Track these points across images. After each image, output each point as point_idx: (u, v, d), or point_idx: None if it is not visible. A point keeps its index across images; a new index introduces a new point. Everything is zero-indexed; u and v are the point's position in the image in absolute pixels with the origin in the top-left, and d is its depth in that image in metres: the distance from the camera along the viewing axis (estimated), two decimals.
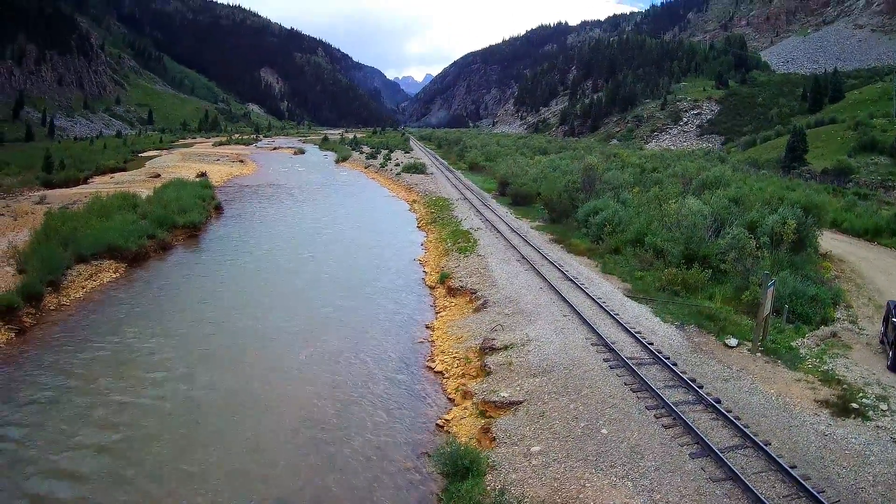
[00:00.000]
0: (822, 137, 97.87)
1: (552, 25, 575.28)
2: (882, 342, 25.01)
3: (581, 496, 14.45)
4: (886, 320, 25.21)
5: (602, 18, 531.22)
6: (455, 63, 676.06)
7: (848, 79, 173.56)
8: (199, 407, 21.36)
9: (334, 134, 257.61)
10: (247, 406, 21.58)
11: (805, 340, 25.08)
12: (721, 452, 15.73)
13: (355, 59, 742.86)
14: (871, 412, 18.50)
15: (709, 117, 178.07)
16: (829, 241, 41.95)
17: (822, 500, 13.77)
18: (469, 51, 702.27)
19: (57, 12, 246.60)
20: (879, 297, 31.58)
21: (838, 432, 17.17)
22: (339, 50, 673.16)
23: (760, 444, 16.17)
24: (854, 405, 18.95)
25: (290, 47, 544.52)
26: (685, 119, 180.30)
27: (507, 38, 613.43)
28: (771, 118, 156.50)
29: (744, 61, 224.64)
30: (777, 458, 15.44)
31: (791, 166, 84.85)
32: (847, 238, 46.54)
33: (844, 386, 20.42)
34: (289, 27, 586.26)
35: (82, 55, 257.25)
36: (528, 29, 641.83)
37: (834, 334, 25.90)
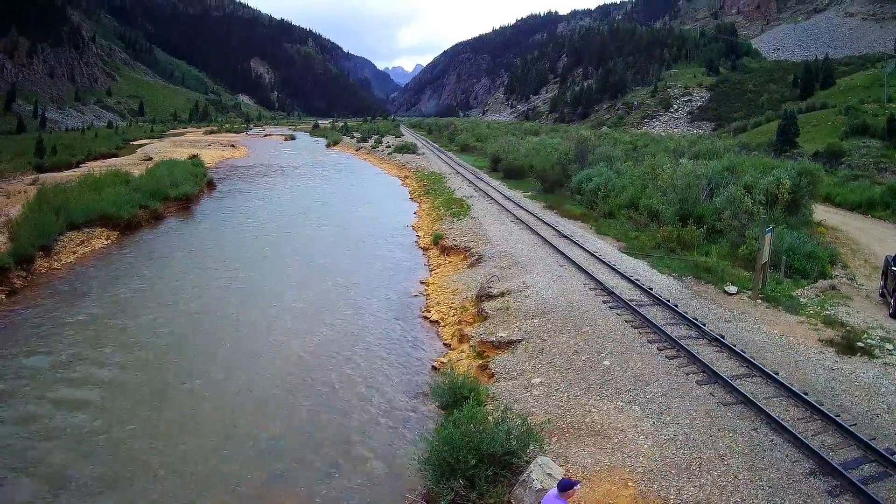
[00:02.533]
0: (814, 122, 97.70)
1: (542, 15, 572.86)
2: (882, 295, 25.00)
3: (587, 420, 14.10)
4: (885, 273, 25.26)
5: (592, 7, 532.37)
6: (445, 53, 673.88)
7: (839, 66, 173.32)
8: (189, 357, 20.85)
9: (325, 123, 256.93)
10: (239, 355, 21.16)
11: (804, 291, 24.88)
12: (729, 380, 15.42)
13: (346, 49, 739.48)
14: (876, 351, 18.21)
15: (699, 104, 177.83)
16: (823, 213, 41.73)
17: (840, 421, 13.43)
18: (459, 41, 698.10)
19: (48, 5, 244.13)
20: (876, 260, 31.30)
21: (846, 367, 16.85)
22: (329, 41, 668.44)
23: (769, 372, 15.85)
24: (859, 344, 18.63)
25: (281, 38, 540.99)
26: (676, 106, 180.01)
27: (496, 28, 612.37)
28: (762, 104, 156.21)
29: (734, 48, 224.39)
30: (788, 385, 15.13)
31: (783, 149, 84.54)
32: (841, 211, 46.35)
33: (848, 328, 20.15)
34: (279, 18, 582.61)
35: (73, 48, 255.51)
36: (518, 18, 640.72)
37: (833, 287, 25.72)
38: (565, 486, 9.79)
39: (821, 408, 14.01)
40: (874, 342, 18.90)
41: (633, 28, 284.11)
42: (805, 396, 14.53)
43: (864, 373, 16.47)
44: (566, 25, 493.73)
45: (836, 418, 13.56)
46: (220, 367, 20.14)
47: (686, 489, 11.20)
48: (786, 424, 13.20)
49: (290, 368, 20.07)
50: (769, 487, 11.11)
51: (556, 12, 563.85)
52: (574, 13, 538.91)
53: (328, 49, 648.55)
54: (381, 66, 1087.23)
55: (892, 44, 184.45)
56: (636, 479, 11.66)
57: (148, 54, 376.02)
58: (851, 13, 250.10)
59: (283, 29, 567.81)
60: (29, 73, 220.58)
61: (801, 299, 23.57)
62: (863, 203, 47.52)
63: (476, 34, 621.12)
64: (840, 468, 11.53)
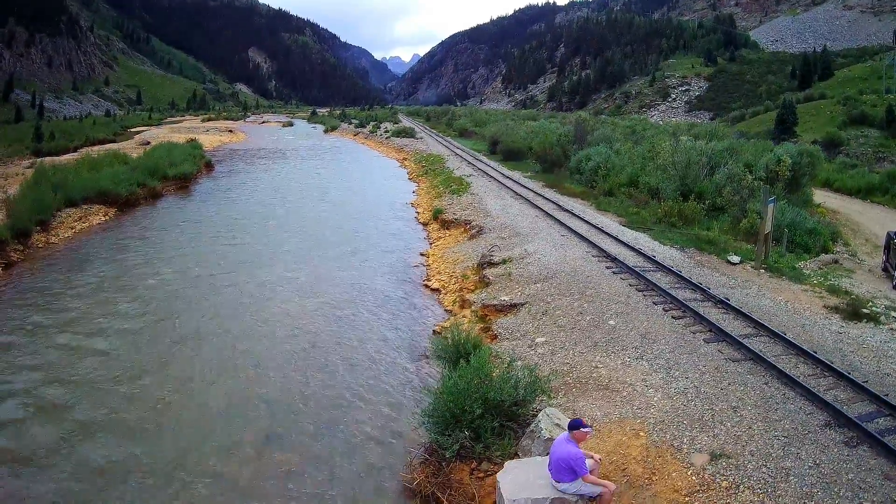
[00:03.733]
0: (812, 112, 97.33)
1: (540, 5, 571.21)
2: (885, 269, 24.86)
3: (594, 375, 13.78)
4: (888, 247, 25.12)
5: None
6: (443, 43, 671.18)
7: (837, 57, 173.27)
8: (187, 325, 20.40)
9: (322, 111, 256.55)
10: (240, 320, 20.89)
11: (807, 264, 24.65)
12: (738, 338, 15.11)
13: (343, 39, 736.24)
14: (882, 318, 17.89)
15: (697, 94, 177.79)
16: (822, 198, 41.54)
17: (853, 378, 13.10)
18: (457, 31, 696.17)
19: None
20: (876, 239, 31.33)
21: (853, 332, 16.52)
22: (326, 30, 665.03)
23: (777, 332, 15.54)
24: (865, 311, 18.31)
25: (278, 27, 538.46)
26: (674, 95, 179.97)
27: (494, 18, 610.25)
28: (760, 95, 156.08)
29: (733, 39, 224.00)
30: (796, 343, 14.83)
31: (781, 138, 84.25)
32: (840, 196, 46.18)
33: (853, 296, 19.85)
34: (277, 7, 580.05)
35: (71, 37, 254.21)
36: (517, 8, 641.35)
37: (835, 261, 25.51)
38: (575, 425, 9.52)
39: (832, 365, 13.71)
40: (879, 310, 18.60)
41: (631, 18, 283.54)
42: (815, 354, 14.23)
43: (871, 337, 16.15)
44: (564, 16, 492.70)
45: (849, 374, 13.27)
46: (221, 330, 19.89)
47: (700, 438, 10.89)
48: (798, 379, 12.91)
49: (289, 334, 19.73)
50: (784, 437, 10.80)
51: (555, 3, 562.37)
52: (572, 3, 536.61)
53: (325, 39, 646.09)
54: (378, 56, 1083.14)
55: (890, 36, 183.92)
56: (647, 430, 11.35)
57: (145, 44, 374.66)
58: (850, 6, 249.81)
59: (281, 18, 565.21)
60: (27, 63, 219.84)
61: (804, 271, 23.33)
62: (862, 188, 47.35)
63: (474, 24, 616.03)
64: (856, 420, 11.24)
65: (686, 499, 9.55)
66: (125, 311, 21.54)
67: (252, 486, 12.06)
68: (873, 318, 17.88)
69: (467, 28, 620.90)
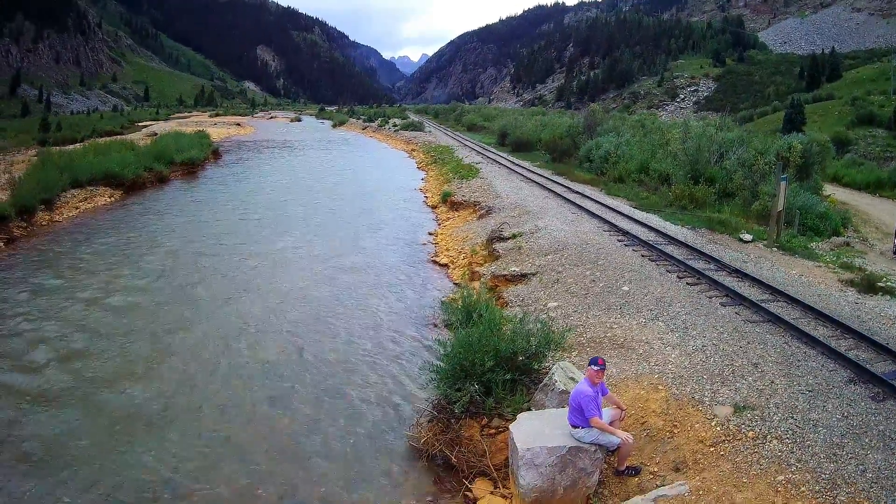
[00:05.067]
0: (820, 112, 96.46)
1: (549, 5, 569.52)
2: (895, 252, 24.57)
3: (609, 335, 13.46)
4: None
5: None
6: (451, 43, 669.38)
7: (845, 59, 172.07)
8: (192, 296, 20.16)
9: (330, 109, 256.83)
10: (248, 286, 20.96)
11: (819, 245, 24.33)
12: (755, 301, 14.78)
13: (352, 38, 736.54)
14: None
15: (706, 94, 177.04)
16: (831, 191, 41.08)
17: (874, 339, 12.73)
18: (465, 30, 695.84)
19: None
20: (886, 228, 31.17)
21: (869, 303, 16.09)
22: (335, 29, 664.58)
23: (794, 297, 15.19)
24: (880, 285, 17.95)
25: (287, 25, 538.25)
26: (682, 96, 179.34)
27: (503, 18, 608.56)
28: (768, 96, 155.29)
29: (741, 40, 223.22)
30: (815, 307, 14.47)
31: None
32: (848, 191, 45.82)
33: (866, 272, 19.49)
34: (286, 6, 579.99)
35: (79, 33, 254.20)
36: (526, 9, 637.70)
37: (847, 244, 25.27)
38: (594, 361, 9.19)
39: (850, 325, 13.37)
40: (894, 285, 18.23)
41: (640, 19, 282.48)
42: (834, 317, 13.87)
43: (888, 307, 15.72)
44: (573, 16, 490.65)
45: (870, 336, 12.90)
46: (229, 294, 19.97)
47: (721, 392, 10.52)
48: (819, 338, 12.55)
49: (293, 303, 19.53)
50: (809, 392, 10.42)
51: (563, 3, 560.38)
52: (581, 4, 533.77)
53: (334, 37, 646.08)
54: (387, 55, 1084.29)
55: None
56: (666, 384, 11.00)
57: (154, 40, 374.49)
58: (858, 8, 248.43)
59: (290, 16, 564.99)
60: (34, 59, 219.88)
61: (817, 251, 22.98)
62: (871, 183, 47.11)
63: (483, 24, 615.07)
64: (883, 377, 10.86)
65: (711, 449, 9.18)
66: (130, 275, 21.80)
67: (253, 445, 11.75)
68: (889, 292, 17.49)
69: (476, 28, 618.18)
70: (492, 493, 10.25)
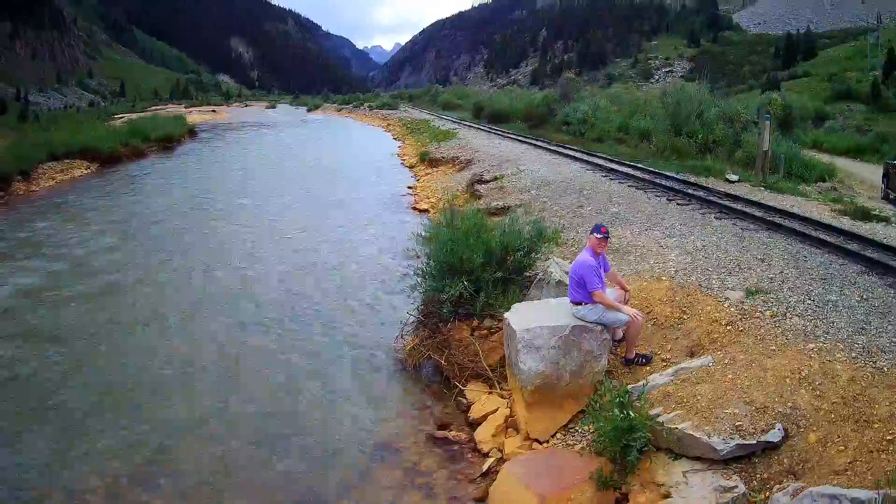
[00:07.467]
0: (797, 89, 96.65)
1: None
2: (884, 197, 24.70)
3: None
4: (886, 175, 25.34)
5: None
6: (424, 31, 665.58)
7: (821, 38, 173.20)
8: (172, 262, 18.81)
9: (305, 98, 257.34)
10: (235, 240, 20.41)
11: (807, 188, 23.85)
12: (750, 213, 14.38)
13: (325, 28, 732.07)
14: (892, 219, 17.09)
15: (681, 75, 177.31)
16: (813, 154, 40.93)
17: (880, 241, 12.32)
18: (438, 18, 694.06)
19: None
20: (871, 182, 30.69)
21: (865, 227, 15.46)
22: (308, 19, 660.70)
23: (792, 211, 14.73)
24: (873, 213, 17.52)
25: (260, 17, 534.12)
26: (657, 76, 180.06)
27: (476, 5, 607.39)
28: (744, 75, 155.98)
29: (716, 21, 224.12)
30: (814, 219, 13.96)
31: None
32: (829, 155, 45.50)
33: (858, 205, 19.06)
34: None
35: (55, 29, 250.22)
36: None
37: (834, 188, 24.93)
38: (597, 229, 8.49)
39: (856, 232, 12.90)
40: (886, 215, 17.78)
41: (612, 0, 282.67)
42: (835, 225, 13.44)
43: (883, 232, 15.17)
44: (546, 1, 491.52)
45: (874, 238, 12.52)
46: (216, 247, 19.64)
47: (729, 280, 9.93)
48: (825, 238, 12.03)
49: (273, 245, 19.47)
50: (822, 280, 9.83)
51: None
52: None
53: (307, 28, 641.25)
54: (360, 45, 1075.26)
55: (874, 19, 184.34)
56: (669, 276, 10.39)
57: (128, 34, 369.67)
58: None
59: (263, 7, 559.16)
60: (11, 57, 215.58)
61: (805, 192, 22.52)
62: (851, 148, 46.83)
63: (456, 11, 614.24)
64: None
65: (727, 328, 8.52)
66: (104, 231, 21.52)
67: (227, 371, 11.09)
68: (883, 219, 17.02)
69: (449, 15, 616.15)
70: (488, 394, 9.56)
